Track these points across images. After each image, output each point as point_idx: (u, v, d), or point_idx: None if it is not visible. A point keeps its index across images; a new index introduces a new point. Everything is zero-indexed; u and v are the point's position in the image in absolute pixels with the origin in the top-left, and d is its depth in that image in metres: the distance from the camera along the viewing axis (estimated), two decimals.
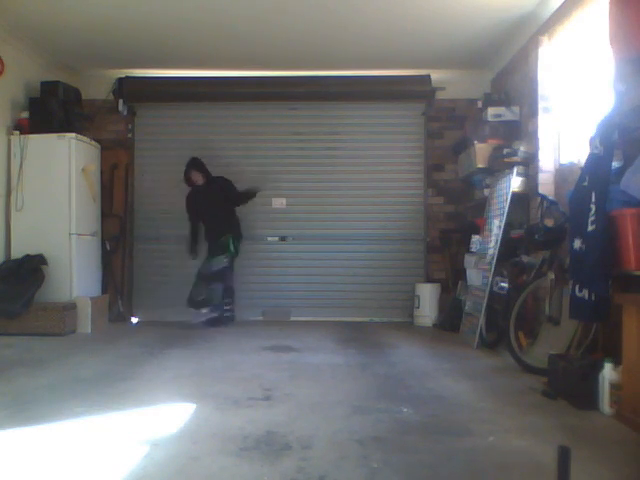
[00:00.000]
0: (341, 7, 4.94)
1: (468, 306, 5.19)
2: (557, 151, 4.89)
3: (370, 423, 2.67)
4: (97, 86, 6.59)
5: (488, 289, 4.72)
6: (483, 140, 5.56)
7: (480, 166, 5.55)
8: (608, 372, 2.87)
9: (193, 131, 6.77)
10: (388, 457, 2.24)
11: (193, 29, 5.42)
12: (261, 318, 6.67)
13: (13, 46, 5.56)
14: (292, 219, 6.79)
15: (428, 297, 6.23)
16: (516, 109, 5.49)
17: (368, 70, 6.47)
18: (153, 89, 6.58)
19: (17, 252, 5.50)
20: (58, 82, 5.85)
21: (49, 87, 5.81)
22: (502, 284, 4.61)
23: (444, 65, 6.40)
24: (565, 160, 4.73)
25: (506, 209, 4.80)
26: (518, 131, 5.44)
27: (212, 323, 5.87)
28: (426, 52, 6.02)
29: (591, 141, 3.20)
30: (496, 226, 4.95)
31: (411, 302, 6.42)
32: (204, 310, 5.87)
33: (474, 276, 5.13)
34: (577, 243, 3.17)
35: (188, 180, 6.09)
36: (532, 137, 5.06)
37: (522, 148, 5.10)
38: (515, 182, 4.91)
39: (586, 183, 3.16)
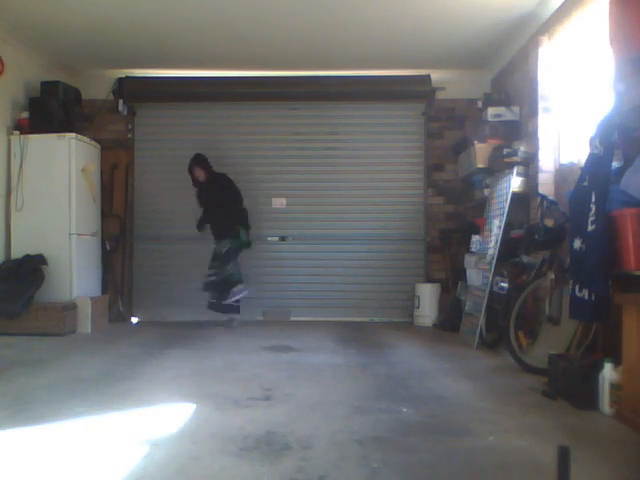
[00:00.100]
0: (341, 7, 4.95)
1: (468, 306, 5.19)
2: (557, 151, 4.89)
3: (370, 423, 2.67)
4: (97, 86, 6.59)
5: (488, 289, 4.72)
6: (483, 140, 5.56)
7: (480, 166, 5.55)
8: (608, 372, 2.87)
9: (193, 131, 6.77)
10: (388, 457, 2.24)
11: (193, 29, 5.42)
12: (261, 318, 6.68)
13: (13, 46, 5.56)
14: (292, 219, 6.79)
15: (428, 297, 6.23)
16: (516, 109, 5.49)
17: (368, 70, 6.47)
18: (153, 89, 6.58)
19: (17, 252, 5.50)
20: (58, 82, 5.85)
21: (49, 87, 5.82)
22: (502, 284, 4.61)
23: (444, 65, 6.40)
24: (565, 160, 4.74)
25: (506, 209, 4.80)
26: (518, 131, 5.44)
27: (223, 309, 5.98)
28: (426, 52, 6.02)
29: (591, 141, 3.20)
30: (496, 226, 4.95)
31: (411, 302, 6.42)
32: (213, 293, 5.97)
33: (474, 276, 5.13)
34: (577, 243, 3.17)
35: (191, 176, 6.04)
36: (532, 137, 5.07)
37: (522, 148, 5.10)
38: (515, 182, 4.91)
39: (586, 183, 3.16)
